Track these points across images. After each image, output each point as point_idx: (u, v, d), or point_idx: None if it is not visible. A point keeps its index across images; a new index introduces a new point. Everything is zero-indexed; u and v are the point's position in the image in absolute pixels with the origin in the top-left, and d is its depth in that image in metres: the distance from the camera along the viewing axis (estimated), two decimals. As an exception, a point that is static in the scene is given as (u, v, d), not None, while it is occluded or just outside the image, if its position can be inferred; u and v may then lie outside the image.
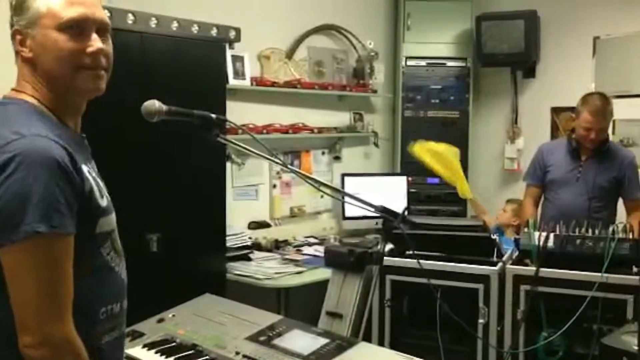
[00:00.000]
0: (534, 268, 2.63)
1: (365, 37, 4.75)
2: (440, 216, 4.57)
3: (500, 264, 2.72)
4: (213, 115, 1.70)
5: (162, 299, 2.28)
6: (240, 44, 3.86)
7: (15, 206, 1.18)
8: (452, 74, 4.99)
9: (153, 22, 3.23)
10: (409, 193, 4.64)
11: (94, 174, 1.35)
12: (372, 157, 5.02)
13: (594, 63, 4.66)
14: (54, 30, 1.31)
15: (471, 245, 2.81)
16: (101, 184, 1.37)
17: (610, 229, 2.59)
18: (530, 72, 4.97)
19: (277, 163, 2.21)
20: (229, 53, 3.78)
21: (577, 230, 2.68)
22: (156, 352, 1.96)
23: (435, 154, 3.31)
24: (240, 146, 1.83)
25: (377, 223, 4.13)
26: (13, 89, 1.37)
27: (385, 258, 2.28)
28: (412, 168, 4.85)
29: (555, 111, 4.83)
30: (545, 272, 2.61)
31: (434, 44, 4.97)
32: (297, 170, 2.08)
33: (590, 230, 2.66)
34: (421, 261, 2.34)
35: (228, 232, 3.58)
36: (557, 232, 2.69)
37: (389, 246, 2.57)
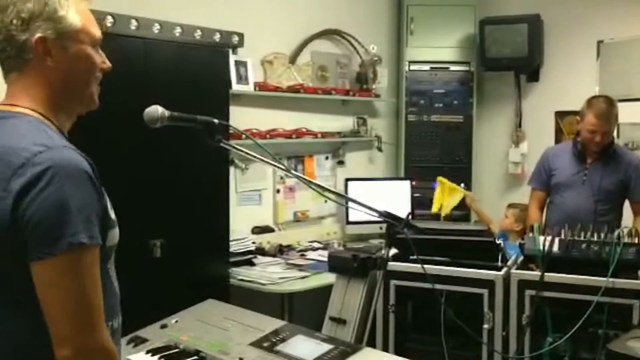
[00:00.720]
0: (539, 273, 2.62)
1: (369, 41, 4.75)
2: (444, 221, 4.56)
3: (505, 269, 2.71)
4: (216, 121, 1.69)
5: (166, 305, 2.27)
6: (244, 49, 3.86)
7: (55, 218, 1.17)
8: (456, 78, 4.98)
9: (156, 28, 3.23)
10: (412, 197, 4.63)
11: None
12: (376, 162, 5.02)
13: (598, 67, 4.65)
14: (88, 46, 1.35)
15: (475, 250, 2.80)
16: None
17: (616, 233, 2.58)
18: (534, 76, 4.96)
19: (280, 168, 2.20)
20: (232, 58, 3.78)
21: (582, 234, 2.67)
22: (160, 358, 1.96)
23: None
24: (243, 151, 1.83)
25: (381, 228, 4.13)
26: (7, 102, 1.33)
27: (389, 263, 2.27)
28: (415, 172, 4.86)
29: (559, 115, 4.81)
30: (551, 276, 2.59)
31: (437, 48, 4.97)
32: (301, 175, 2.08)
33: (595, 235, 2.65)
34: (425, 266, 2.34)
35: (231, 237, 3.58)
36: (562, 237, 2.67)
37: (393, 251, 2.57)
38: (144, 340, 2.07)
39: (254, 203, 4.16)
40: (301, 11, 4.42)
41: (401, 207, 4.32)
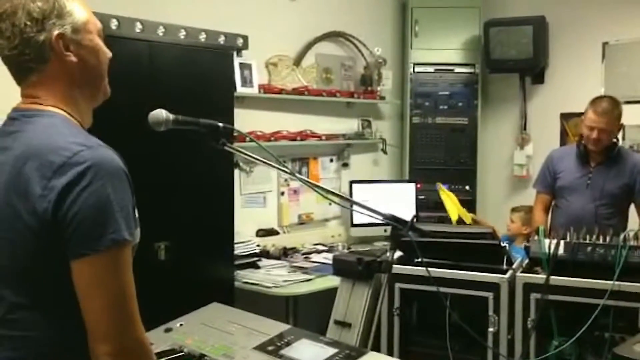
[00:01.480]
0: (544, 276, 2.60)
1: (373, 43, 4.74)
2: (449, 223, 4.55)
3: (510, 272, 2.69)
4: (220, 124, 1.69)
5: (170, 308, 2.27)
6: (248, 52, 3.87)
7: (98, 216, 1.19)
8: (461, 80, 4.98)
9: (161, 31, 3.24)
10: (417, 200, 4.62)
11: None
12: (381, 164, 5.01)
13: (603, 68, 4.63)
14: (96, 35, 1.37)
15: (480, 252, 2.79)
16: None
17: (622, 236, 2.56)
18: (539, 78, 4.94)
19: (284, 171, 2.20)
20: (236, 61, 3.78)
21: (587, 237, 2.65)
22: (164, 362, 1.95)
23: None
24: (246, 154, 1.82)
25: (385, 230, 4.12)
26: (29, 102, 1.32)
27: (394, 266, 2.26)
28: (420, 175, 4.85)
29: (565, 117, 4.80)
30: (556, 280, 2.58)
31: (442, 50, 4.96)
32: (305, 178, 2.07)
33: (601, 238, 2.63)
34: (430, 269, 2.33)
35: (236, 239, 3.58)
36: (568, 240, 2.66)
37: (397, 254, 2.56)
38: (148, 344, 2.07)
39: (258, 206, 4.16)
40: (305, 13, 4.42)
41: (406, 209, 4.31)
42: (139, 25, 3.15)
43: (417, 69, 4.99)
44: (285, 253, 4.07)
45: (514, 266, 2.77)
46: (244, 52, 3.86)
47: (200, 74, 3.29)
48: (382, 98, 4.85)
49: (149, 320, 2.13)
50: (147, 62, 3.09)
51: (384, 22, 5.02)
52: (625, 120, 3.60)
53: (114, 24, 3.04)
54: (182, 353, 2.00)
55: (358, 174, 4.73)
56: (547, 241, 2.65)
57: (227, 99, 3.45)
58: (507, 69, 4.85)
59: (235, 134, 3.18)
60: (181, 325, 2.19)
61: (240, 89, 3.85)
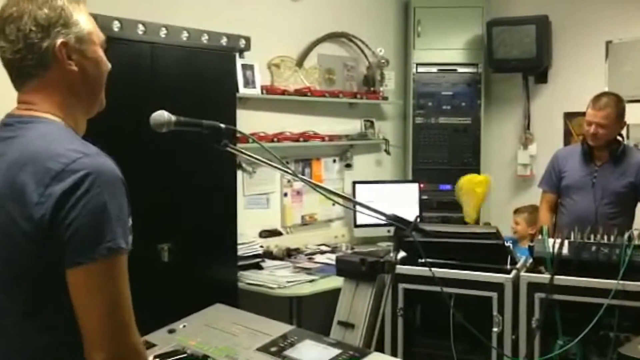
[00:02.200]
0: (548, 275, 2.60)
1: (376, 44, 4.74)
2: (452, 223, 4.54)
3: (514, 272, 2.69)
4: (222, 125, 1.69)
5: (174, 309, 2.27)
6: (250, 53, 3.86)
7: (95, 224, 1.19)
8: (464, 80, 4.97)
9: (163, 32, 3.24)
10: (420, 200, 4.62)
11: None
12: (384, 165, 5.01)
13: (607, 67, 4.62)
14: (99, 47, 1.38)
15: (484, 252, 2.78)
16: None
17: (626, 235, 2.56)
18: (542, 78, 4.93)
19: (286, 172, 2.20)
20: (239, 62, 3.78)
21: (592, 236, 2.64)
22: (167, 363, 1.95)
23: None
24: (250, 155, 1.82)
25: (388, 230, 4.12)
26: (24, 108, 1.32)
27: (397, 266, 2.25)
28: (423, 175, 4.84)
29: (568, 116, 4.79)
30: (560, 279, 2.57)
31: (445, 50, 4.96)
32: (308, 179, 2.07)
33: (605, 237, 2.63)
34: (434, 269, 2.32)
35: (239, 240, 3.57)
36: (572, 239, 2.65)
37: (401, 254, 2.56)
38: (151, 345, 2.07)
39: (261, 206, 4.15)
40: (308, 14, 4.42)
41: (409, 209, 4.31)
42: (141, 27, 3.14)
43: (420, 69, 4.98)
44: (288, 254, 4.07)
45: (518, 266, 2.76)
46: (246, 53, 3.85)
47: (202, 76, 3.29)
48: (385, 98, 4.84)
49: (152, 322, 2.14)
50: (149, 63, 3.09)
51: (387, 22, 5.01)
52: (629, 119, 3.60)
53: (116, 25, 3.04)
54: (186, 354, 1.99)
55: (361, 174, 4.72)
56: (551, 241, 2.64)
57: (230, 100, 3.45)
58: (510, 68, 4.84)
59: (237, 135, 3.18)
60: (184, 326, 2.18)
61: (242, 90, 3.85)
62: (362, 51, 4.75)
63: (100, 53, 1.39)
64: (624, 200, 3.48)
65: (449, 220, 4.65)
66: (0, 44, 1.30)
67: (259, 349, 1.95)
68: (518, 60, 4.71)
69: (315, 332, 2.05)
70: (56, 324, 1.23)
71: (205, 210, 3.26)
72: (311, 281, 3.59)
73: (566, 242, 2.63)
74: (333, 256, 3.55)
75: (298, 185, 4.32)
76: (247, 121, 3.77)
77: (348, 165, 4.70)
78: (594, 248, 2.59)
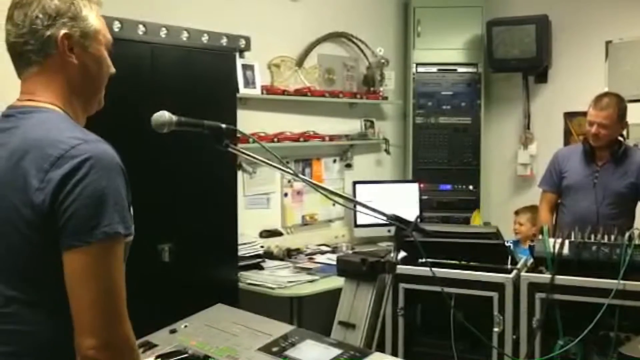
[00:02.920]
0: (549, 275, 2.60)
1: (376, 44, 4.74)
2: (452, 223, 4.54)
3: (514, 272, 2.69)
4: (223, 126, 1.69)
5: (175, 309, 2.27)
6: (250, 53, 3.87)
7: (93, 208, 1.19)
8: (463, 80, 4.97)
9: (163, 33, 3.24)
10: (421, 200, 4.62)
11: None
12: (384, 164, 5.01)
13: (607, 67, 4.62)
14: (104, 47, 1.39)
15: (485, 252, 2.78)
16: None
17: (627, 235, 2.55)
18: (542, 77, 4.94)
19: (287, 172, 2.20)
20: (239, 62, 3.78)
21: (592, 236, 2.64)
22: (168, 364, 1.95)
23: None
24: (250, 156, 1.82)
25: (389, 230, 4.12)
26: (25, 99, 1.34)
27: (398, 266, 2.26)
28: (423, 175, 4.85)
29: (568, 116, 4.79)
30: (561, 279, 2.57)
31: (445, 50, 4.96)
32: (308, 179, 2.07)
33: (606, 237, 2.63)
34: (434, 269, 2.32)
35: (240, 241, 3.58)
36: (572, 239, 2.65)
37: (401, 254, 2.56)
38: (153, 345, 2.07)
39: (262, 207, 4.16)
40: (308, 14, 4.42)
41: (409, 209, 4.31)
42: (141, 28, 3.15)
43: (420, 69, 4.98)
44: (289, 254, 4.07)
45: (518, 266, 2.76)
46: (246, 53, 3.86)
47: (202, 76, 3.29)
48: (385, 98, 4.84)
49: (154, 322, 2.14)
50: (149, 64, 3.09)
51: (386, 22, 5.02)
52: (629, 118, 3.60)
53: (116, 26, 3.04)
54: (187, 354, 2.00)
55: (361, 174, 4.73)
56: (551, 240, 2.64)
57: (230, 100, 3.45)
58: (510, 68, 4.84)
59: (238, 135, 3.18)
60: (185, 326, 2.19)
61: (242, 90, 3.85)
62: (362, 51, 4.75)
63: (104, 53, 1.40)
64: (625, 200, 3.48)
65: (449, 220, 4.66)
66: (7, 27, 1.33)
67: (260, 349, 1.95)
68: (518, 60, 4.72)
69: (316, 332, 2.05)
70: (57, 311, 1.23)
71: (205, 211, 3.26)
72: (312, 281, 3.59)
73: (567, 242, 2.63)
74: (333, 256, 3.56)
75: (298, 185, 4.32)
76: (248, 121, 3.77)
77: (348, 165, 4.70)
78: (594, 248, 2.59)
